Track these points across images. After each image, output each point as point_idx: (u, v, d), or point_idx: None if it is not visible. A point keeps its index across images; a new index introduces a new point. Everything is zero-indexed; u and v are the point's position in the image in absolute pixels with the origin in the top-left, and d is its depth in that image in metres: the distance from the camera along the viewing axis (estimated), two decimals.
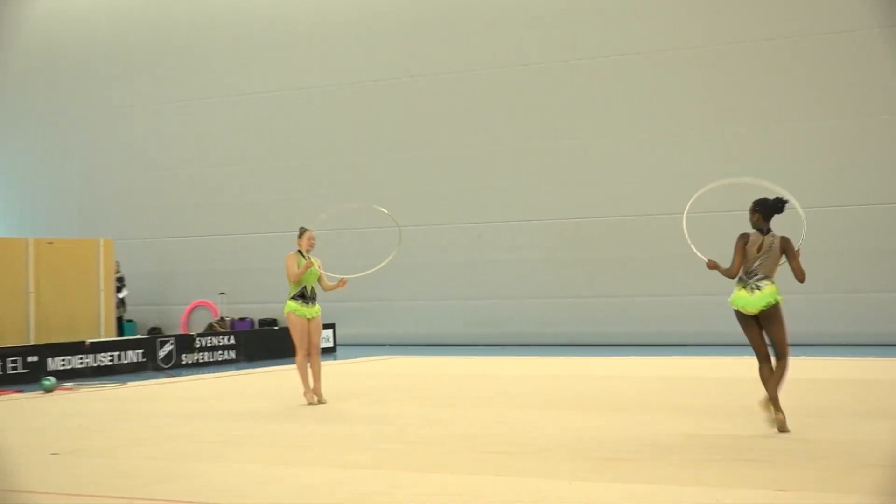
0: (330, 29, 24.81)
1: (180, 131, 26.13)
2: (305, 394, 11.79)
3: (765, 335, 9.04)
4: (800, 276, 8.97)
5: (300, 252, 11.77)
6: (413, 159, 23.87)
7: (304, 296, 11.72)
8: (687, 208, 9.94)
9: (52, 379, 14.34)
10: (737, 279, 9.04)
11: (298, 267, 11.64)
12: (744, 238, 9.07)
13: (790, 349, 9.02)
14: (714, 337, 20.05)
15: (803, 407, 10.51)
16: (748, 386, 12.60)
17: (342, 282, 11.94)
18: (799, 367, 15.39)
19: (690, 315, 21.04)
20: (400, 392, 13.23)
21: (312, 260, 11.77)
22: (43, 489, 7.13)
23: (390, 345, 23.20)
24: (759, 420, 9.36)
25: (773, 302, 8.90)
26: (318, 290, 11.88)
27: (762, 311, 8.91)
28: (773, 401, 8.88)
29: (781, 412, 8.85)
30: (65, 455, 8.55)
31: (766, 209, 9.12)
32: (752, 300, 8.91)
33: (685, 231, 9.77)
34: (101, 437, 9.61)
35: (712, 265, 9.24)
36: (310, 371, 11.86)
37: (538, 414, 10.53)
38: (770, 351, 9.07)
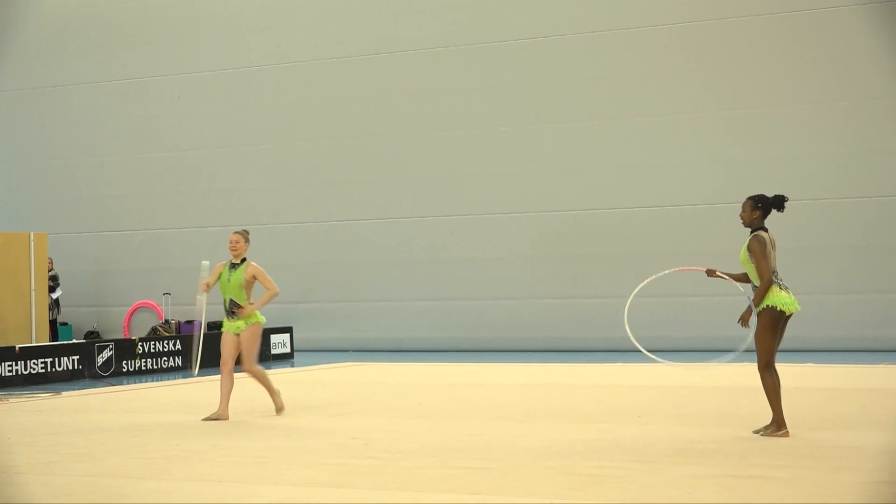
0: (287, 3, 24.80)
1: (121, 114, 26.03)
2: (221, 408, 11.76)
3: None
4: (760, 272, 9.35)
5: (230, 262, 11.80)
6: (378, 145, 23.90)
7: (225, 310, 11.70)
8: (633, 294, 10.33)
9: None
10: (774, 279, 9.35)
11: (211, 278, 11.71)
12: (764, 239, 9.35)
13: None
14: (709, 342, 20.19)
15: (808, 418, 10.64)
16: (743, 395, 12.73)
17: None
18: (807, 374, 15.59)
19: (684, 319, 21.19)
20: (365, 403, 13.28)
21: (238, 270, 11.64)
22: None
23: (354, 350, 23.23)
24: (756, 431, 9.49)
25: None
26: (241, 301, 11.62)
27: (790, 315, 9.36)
28: (779, 413, 9.33)
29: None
30: None
31: (769, 206, 9.47)
32: (793, 301, 9.38)
33: (626, 321, 10.12)
34: (33, 452, 9.60)
35: (712, 273, 9.47)
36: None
37: (517, 426, 10.61)
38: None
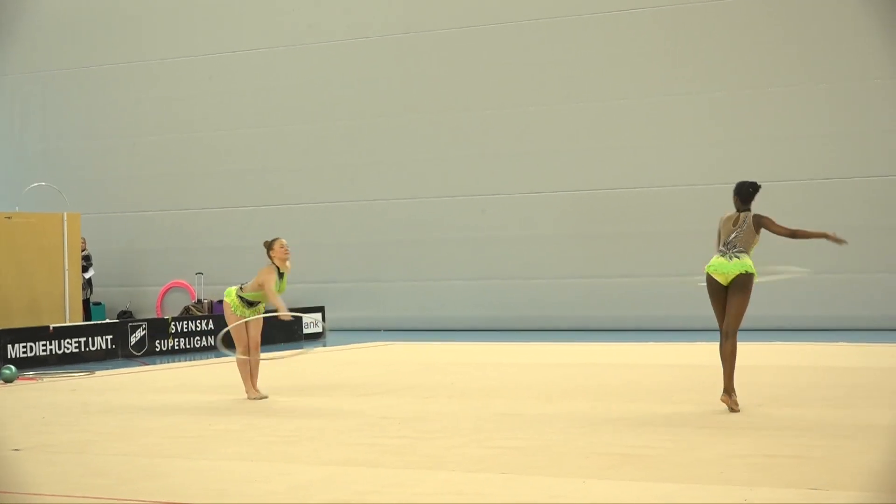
0: None
1: (152, 94, 26.11)
2: (247, 389, 11.84)
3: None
4: (787, 233, 10.04)
5: (278, 270, 11.68)
6: (409, 125, 23.87)
7: (252, 304, 11.78)
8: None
9: (13, 368, 14.39)
10: (717, 250, 10.13)
11: (267, 284, 11.60)
12: (723, 216, 10.33)
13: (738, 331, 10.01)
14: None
15: (833, 398, 10.59)
16: (777, 375, 12.69)
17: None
18: (820, 353, 15.55)
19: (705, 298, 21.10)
20: (396, 382, 13.30)
21: (284, 279, 11.75)
22: (3, 488, 7.18)
23: (386, 330, 23.28)
24: (793, 410, 9.45)
25: (745, 272, 9.89)
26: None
27: (733, 280, 9.91)
28: (729, 380, 9.88)
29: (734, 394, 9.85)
30: (28, 451, 8.62)
31: (740, 191, 10.35)
32: (730, 266, 9.95)
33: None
34: (67, 431, 9.68)
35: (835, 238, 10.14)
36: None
37: (549, 405, 10.61)
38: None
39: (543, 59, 22.75)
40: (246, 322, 11.72)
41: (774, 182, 20.84)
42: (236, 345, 11.78)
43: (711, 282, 10.06)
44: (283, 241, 11.73)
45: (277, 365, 16.01)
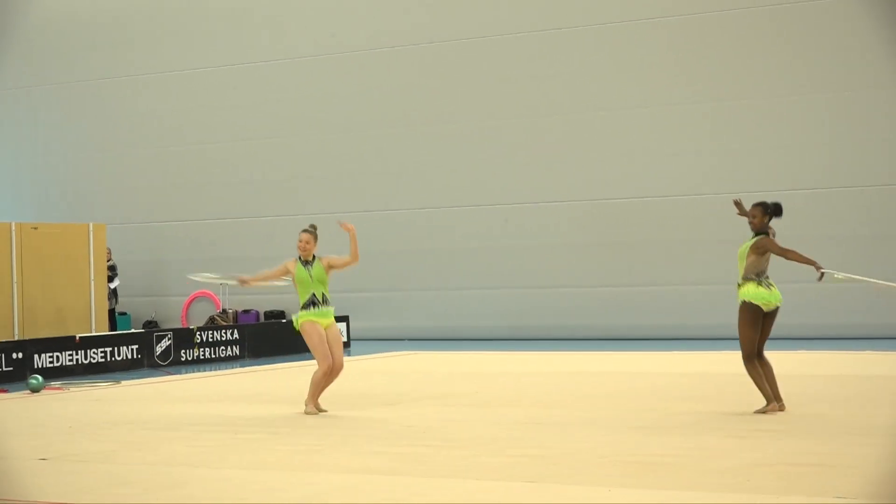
0: None
1: (177, 105, 26.22)
2: (307, 404, 11.34)
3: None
4: (794, 258, 10.24)
5: (300, 259, 11.42)
6: (431, 135, 23.90)
7: (315, 303, 11.31)
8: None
9: (40, 377, 14.44)
10: (749, 277, 10.21)
11: (294, 280, 11.34)
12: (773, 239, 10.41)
13: None
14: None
15: (856, 406, 10.53)
16: (804, 384, 12.61)
17: (347, 228, 11.51)
18: (831, 362, 15.49)
19: (717, 306, 20.97)
20: (420, 391, 13.30)
21: (314, 266, 11.33)
22: (31, 498, 7.21)
23: (409, 339, 23.28)
24: (819, 420, 9.40)
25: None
26: (329, 295, 11.38)
27: (773, 309, 10.21)
28: (777, 395, 10.21)
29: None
30: (55, 460, 8.65)
31: (773, 214, 10.45)
32: (776, 295, 10.22)
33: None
34: (93, 440, 9.71)
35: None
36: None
37: (571, 414, 10.58)
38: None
39: (564, 69, 22.73)
40: (329, 342, 11.22)
41: (784, 191, 20.86)
42: (320, 362, 11.22)
43: (758, 311, 10.23)
44: (302, 234, 11.46)
45: (302, 374, 16.03)
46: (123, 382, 15.46)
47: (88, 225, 20.51)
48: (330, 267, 11.43)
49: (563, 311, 22.71)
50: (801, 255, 10.16)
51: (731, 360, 15.66)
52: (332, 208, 24.63)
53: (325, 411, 11.24)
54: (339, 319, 21.48)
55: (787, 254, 10.18)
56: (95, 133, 27.10)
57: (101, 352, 17.42)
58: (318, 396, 11.33)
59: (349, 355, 20.16)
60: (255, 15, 25.57)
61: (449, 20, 23.80)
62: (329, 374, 11.25)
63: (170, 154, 26.31)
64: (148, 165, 26.49)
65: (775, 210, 10.39)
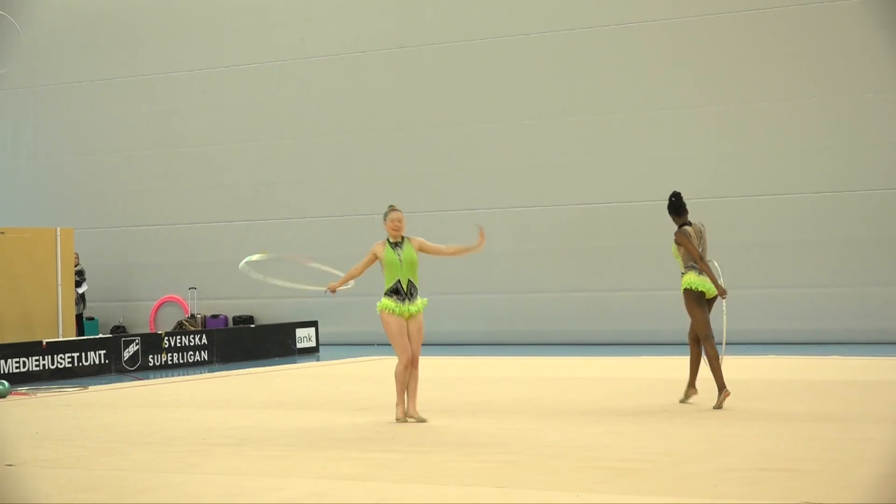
0: None
1: (146, 109, 26.14)
2: (399, 406, 10.74)
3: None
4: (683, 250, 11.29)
5: (389, 241, 10.73)
6: (405, 139, 23.92)
7: (399, 291, 10.67)
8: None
9: (6, 383, 14.39)
10: (691, 266, 11.22)
11: (382, 262, 10.66)
12: (688, 232, 11.28)
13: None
14: (735, 335, 20.15)
15: (829, 412, 10.62)
16: (770, 388, 12.71)
17: (480, 236, 11.00)
18: (812, 367, 15.59)
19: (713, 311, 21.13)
20: (389, 397, 13.28)
21: (404, 249, 10.69)
22: None
23: (378, 344, 23.26)
24: (786, 424, 9.49)
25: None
26: (417, 282, 10.75)
27: (713, 297, 11.28)
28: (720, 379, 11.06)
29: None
30: (21, 466, 8.62)
31: (669, 209, 11.55)
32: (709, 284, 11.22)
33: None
34: (61, 446, 9.68)
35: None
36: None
37: (543, 419, 10.62)
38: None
39: (537, 73, 22.81)
40: (408, 328, 10.63)
41: (771, 196, 20.99)
42: (400, 355, 10.65)
43: (701, 297, 11.28)
44: (394, 213, 10.76)
45: (272, 379, 16.02)
46: (91, 388, 15.41)
47: (56, 229, 20.44)
48: (421, 249, 10.81)
49: (537, 316, 22.75)
50: (688, 248, 11.16)
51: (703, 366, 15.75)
52: (304, 213, 24.65)
53: (425, 420, 10.59)
54: (307, 325, 21.65)
55: (685, 246, 11.20)
56: (63, 137, 26.98)
57: (69, 357, 17.35)
58: (403, 393, 10.68)
59: (318, 360, 20.17)
60: (227, 19, 25.50)
61: (421, 25, 23.82)
62: (410, 367, 10.64)
63: (138, 158, 26.22)
64: (116, 169, 26.38)
65: (668, 207, 11.51)
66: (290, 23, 24.93)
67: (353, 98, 24.32)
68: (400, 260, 10.66)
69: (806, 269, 20.54)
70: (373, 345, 23.15)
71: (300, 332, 21.33)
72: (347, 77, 24.36)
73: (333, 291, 11.11)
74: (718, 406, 10.93)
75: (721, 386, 11.01)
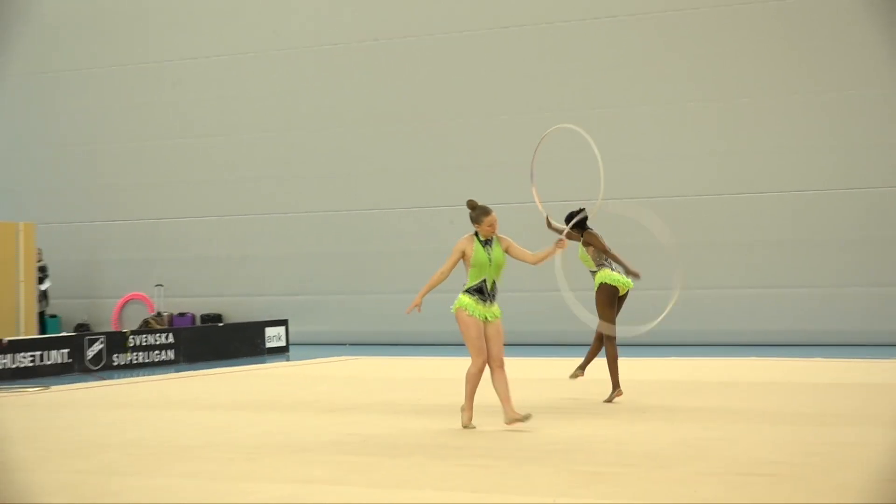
0: None
1: (114, 101, 25.95)
2: (464, 411, 10.41)
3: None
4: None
5: (477, 237, 10.45)
6: (377, 134, 23.83)
7: (483, 291, 10.43)
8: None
9: None
10: (602, 263, 12.41)
11: (468, 259, 10.38)
12: (595, 233, 12.58)
13: None
14: (716, 336, 20.17)
15: (811, 414, 10.63)
16: (752, 391, 12.73)
17: (561, 243, 10.72)
18: (796, 369, 15.62)
19: (692, 312, 21.12)
20: (361, 397, 13.25)
21: (494, 248, 10.48)
22: None
23: (349, 344, 23.20)
24: (768, 427, 9.48)
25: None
26: (500, 284, 10.58)
27: (626, 293, 12.29)
28: (616, 378, 12.01)
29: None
30: None
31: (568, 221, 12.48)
32: (627, 281, 12.32)
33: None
34: (22, 448, 9.57)
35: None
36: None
37: (518, 423, 10.56)
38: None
39: (527, 68, 22.74)
40: (486, 331, 10.36)
41: (768, 193, 21.04)
42: (475, 358, 10.37)
43: (616, 292, 12.40)
44: (490, 215, 10.47)
45: (241, 380, 15.94)
46: (53, 388, 15.27)
47: (18, 224, 20.26)
48: (507, 251, 10.61)
49: (515, 316, 22.63)
50: (599, 244, 12.48)
51: (690, 366, 15.78)
52: (274, 209, 24.53)
53: (530, 416, 10.16)
54: (277, 324, 21.54)
55: (595, 244, 12.56)
56: (25, 130, 26.76)
57: (30, 356, 17.19)
58: (473, 398, 10.39)
59: (288, 360, 20.08)
60: (203, 9, 25.30)
61: (413, 17, 23.69)
62: (483, 371, 10.33)
63: (103, 152, 26.03)
64: (80, 163, 26.18)
65: (575, 222, 12.66)
66: (263, 15, 24.79)
67: (325, 93, 24.20)
68: (490, 259, 10.46)
69: (805, 268, 20.54)
70: (344, 344, 23.10)
71: (270, 332, 21.21)
72: (321, 71, 24.24)
73: (419, 308, 10.82)
74: (609, 401, 11.88)
75: (616, 384, 11.95)
